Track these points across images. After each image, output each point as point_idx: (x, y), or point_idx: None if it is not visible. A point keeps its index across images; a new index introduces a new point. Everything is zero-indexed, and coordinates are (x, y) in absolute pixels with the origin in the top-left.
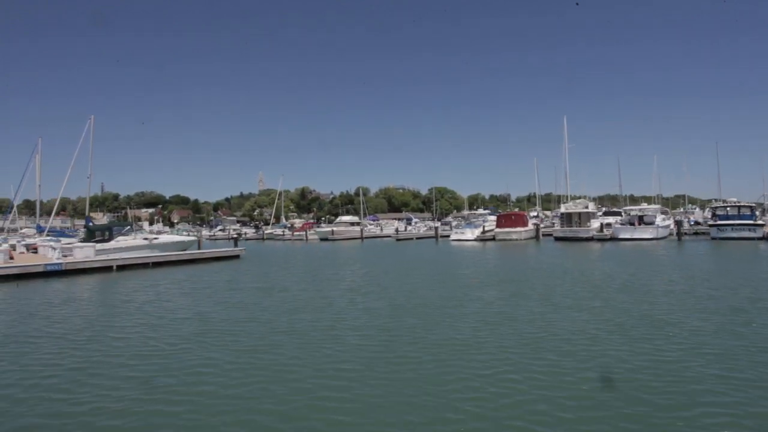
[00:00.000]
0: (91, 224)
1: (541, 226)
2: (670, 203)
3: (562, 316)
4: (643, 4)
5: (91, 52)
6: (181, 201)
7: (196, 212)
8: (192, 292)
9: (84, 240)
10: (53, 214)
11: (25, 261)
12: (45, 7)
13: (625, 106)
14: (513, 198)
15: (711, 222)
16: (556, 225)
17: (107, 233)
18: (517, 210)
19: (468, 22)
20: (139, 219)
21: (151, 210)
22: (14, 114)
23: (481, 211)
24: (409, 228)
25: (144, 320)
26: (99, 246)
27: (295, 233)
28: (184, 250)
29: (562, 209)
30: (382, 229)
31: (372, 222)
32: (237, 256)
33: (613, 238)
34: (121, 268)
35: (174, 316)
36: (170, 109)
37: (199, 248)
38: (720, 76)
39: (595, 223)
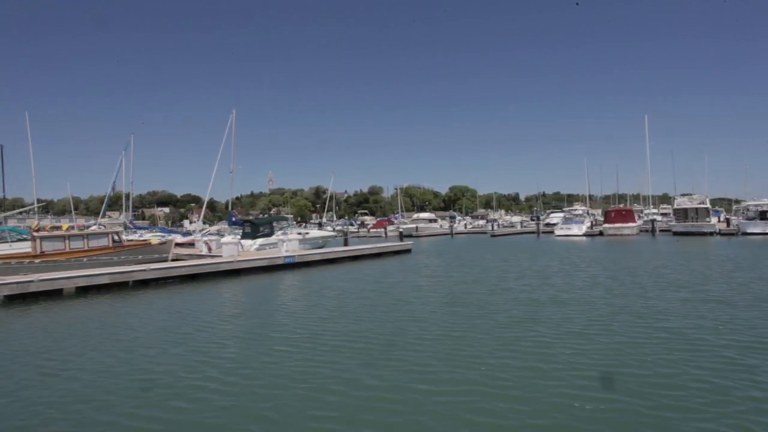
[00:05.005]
0: (234, 219)
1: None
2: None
3: None
4: (637, 1)
5: (91, 52)
6: (192, 200)
7: (212, 211)
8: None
9: (248, 235)
10: (203, 209)
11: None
12: (44, 7)
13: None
14: (522, 198)
15: None
16: (671, 221)
17: (268, 228)
18: (623, 206)
19: (468, 22)
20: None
21: (166, 209)
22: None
23: (579, 208)
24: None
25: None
26: (262, 240)
27: (371, 230)
28: (323, 246)
29: (676, 205)
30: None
31: (398, 220)
32: (408, 251)
33: (740, 233)
34: (331, 261)
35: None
36: (170, 108)
37: (345, 244)
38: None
39: (713, 219)
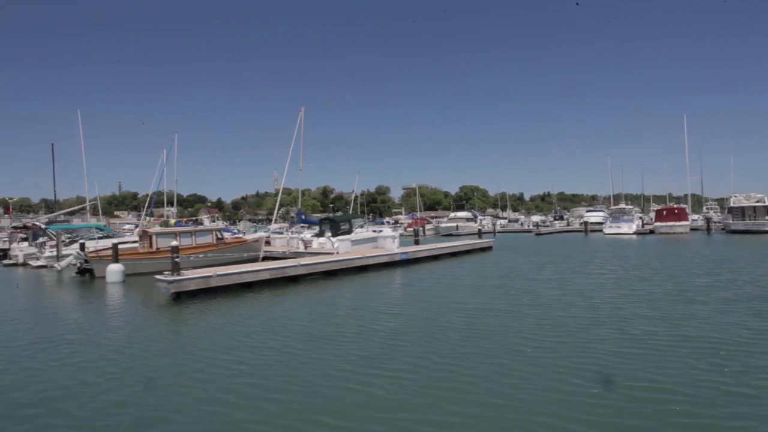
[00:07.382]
0: (303, 217)
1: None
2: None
3: None
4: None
5: (91, 52)
6: (198, 200)
7: (221, 210)
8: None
9: (329, 233)
10: (276, 210)
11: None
12: (44, 7)
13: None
14: (527, 197)
15: None
16: (726, 219)
17: (347, 225)
18: (674, 204)
19: (468, 22)
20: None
21: (173, 208)
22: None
23: (626, 206)
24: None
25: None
26: (344, 238)
27: (407, 229)
28: None
29: (732, 203)
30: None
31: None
32: (490, 248)
33: None
34: (434, 257)
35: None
36: (169, 108)
37: (416, 243)
38: None
39: None
